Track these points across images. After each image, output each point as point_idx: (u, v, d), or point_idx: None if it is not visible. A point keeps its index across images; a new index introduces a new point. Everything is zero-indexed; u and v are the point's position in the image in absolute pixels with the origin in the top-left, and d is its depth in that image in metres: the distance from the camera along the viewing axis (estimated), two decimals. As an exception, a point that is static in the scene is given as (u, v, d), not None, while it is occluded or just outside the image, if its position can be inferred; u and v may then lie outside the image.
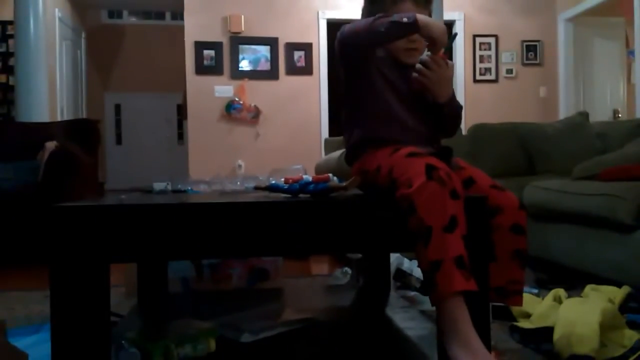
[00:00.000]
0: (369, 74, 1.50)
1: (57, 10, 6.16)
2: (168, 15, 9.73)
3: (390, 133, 1.46)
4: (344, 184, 1.28)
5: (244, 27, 5.92)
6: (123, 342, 1.27)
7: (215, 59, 5.87)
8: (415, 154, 1.29)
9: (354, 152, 1.53)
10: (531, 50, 6.46)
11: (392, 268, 2.22)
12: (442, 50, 1.41)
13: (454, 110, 1.53)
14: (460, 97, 6.28)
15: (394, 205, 1.23)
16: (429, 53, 1.42)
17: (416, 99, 1.50)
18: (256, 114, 5.87)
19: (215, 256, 1.19)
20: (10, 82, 5.72)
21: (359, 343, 1.46)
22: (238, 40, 5.91)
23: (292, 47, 5.97)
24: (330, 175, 1.32)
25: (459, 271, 1.11)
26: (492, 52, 6.42)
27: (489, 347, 1.28)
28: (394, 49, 1.50)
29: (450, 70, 1.46)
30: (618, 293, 1.96)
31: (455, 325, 1.12)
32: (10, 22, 5.21)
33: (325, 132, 6.02)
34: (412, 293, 2.21)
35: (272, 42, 5.95)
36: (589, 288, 2.04)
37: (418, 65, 1.43)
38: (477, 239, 1.20)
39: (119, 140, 10.25)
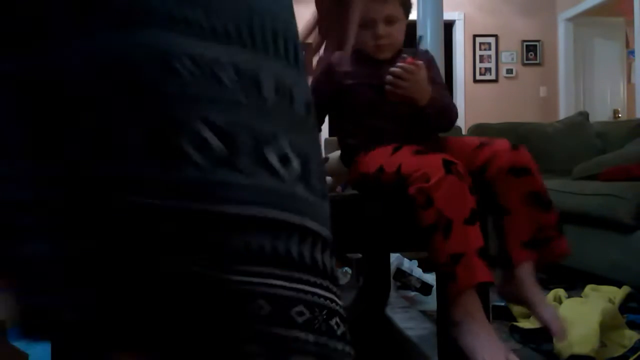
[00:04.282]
0: (342, 103, 1.53)
1: (57, 10, 6.18)
2: (168, 15, 9.74)
3: (378, 142, 1.46)
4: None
5: (244, 27, 5.92)
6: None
7: (215, 59, 5.87)
8: (422, 151, 1.29)
9: (348, 154, 1.54)
10: (531, 50, 6.46)
11: (392, 268, 2.22)
12: (410, 56, 1.40)
13: (439, 107, 1.46)
14: (460, 97, 6.28)
15: (394, 205, 1.23)
16: (400, 64, 1.38)
17: (396, 106, 1.50)
18: (256, 114, 5.87)
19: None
20: (10, 82, 5.73)
21: (359, 343, 1.46)
22: (238, 40, 5.91)
23: (292, 47, 5.98)
24: None
25: (481, 263, 1.12)
26: (492, 52, 6.42)
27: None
28: (363, 47, 1.49)
29: (422, 71, 1.40)
30: (618, 293, 1.96)
31: (470, 316, 1.13)
32: (10, 22, 5.22)
33: (325, 132, 6.02)
34: (412, 293, 2.21)
35: (272, 42, 5.95)
36: (589, 288, 2.04)
37: (389, 77, 1.39)
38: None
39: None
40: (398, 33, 1.50)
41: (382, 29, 1.47)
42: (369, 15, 1.48)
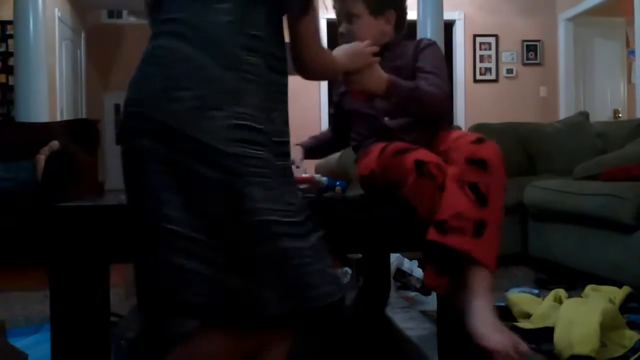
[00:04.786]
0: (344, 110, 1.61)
1: (56, 10, 6.16)
2: (168, 15, 9.69)
3: (369, 141, 1.48)
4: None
5: (244, 27, 5.91)
6: (123, 342, 1.27)
7: (215, 58, 5.85)
8: (402, 150, 1.27)
9: (355, 154, 1.59)
10: (531, 50, 6.46)
11: (392, 268, 2.22)
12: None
13: (406, 93, 1.38)
14: (460, 97, 6.28)
15: (393, 205, 1.23)
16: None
17: (375, 106, 1.52)
18: (256, 114, 5.86)
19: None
20: (10, 82, 5.71)
21: (359, 343, 1.45)
22: (238, 40, 5.89)
23: (292, 47, 5.96)
24: (318, 175, 1.35)
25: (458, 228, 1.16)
26: (492, 52, 6.41)
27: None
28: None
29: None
30: (618, 293, 1.96)
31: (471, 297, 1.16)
32: (10, 22, 5.19)
33: (325, 132, 6.02)
34: (412, 293, 2.21)
35: (272, 42, 5.94)
36: (589, 288, 2.04)
37: (343, 77, 1.36)
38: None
39: (118, 140, 10.23)
40: (358, 30, 1.49)
41: (342, 26, 1.52)
42: (336, 15, 1.53)
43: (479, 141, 1.24)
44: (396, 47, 1.54)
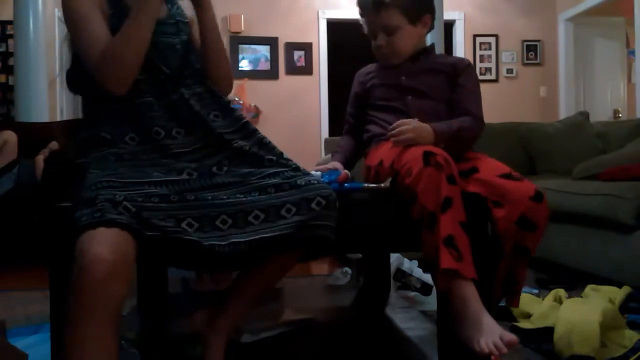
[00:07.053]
0: (367, 103, 1.62)
1: (56, 10, 6.15)
2: (168, 15, 9.69)
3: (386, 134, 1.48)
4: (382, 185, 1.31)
5: (244, 27, 5.91)
6: (123, 342, 1.27)
7: (215, 58, 5.85)
8: (415, 144, 1.31)
9: (365, 146, 1.62)
10: (531, 50, 6.46)
11: (392, 268, 2.22)
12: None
13: (451, 137, 1.42)
14: (460, 97, 6.27)
15: (393, 204, 1.23)
16: (392, 128, 1.38)
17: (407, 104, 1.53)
18: (256, 113, 5.87)
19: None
20: (10, 82, 5.70)
21: (359, 343, 1.46)
22: (238, 40, 5.90)
23: (292, 46, 5.97)
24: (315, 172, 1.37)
25: (447, 250, 1.13)
26: (493, 52, 6.41)
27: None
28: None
29: (412, 122, 1.37)
30: (618, 293, 1.96)
31: (462, 304, 1.13)
32: (10, 22, 5.20)
33: (325, 132, 6.02)
34: (412, 293, 2.20)
35: (272, 42, 5.94)
36: (589, 288, 2.04)
37: (393, 139, 1.37)
38: (477, 235, 1.21)
39: (119, 140, 10.22)
40: (400, 41, 1.53)
41: (380, 39, 1.53)
42: (369, 27, 1.55)
43: (537, 199, 1.27)
44: (431, 53, 1.61)
